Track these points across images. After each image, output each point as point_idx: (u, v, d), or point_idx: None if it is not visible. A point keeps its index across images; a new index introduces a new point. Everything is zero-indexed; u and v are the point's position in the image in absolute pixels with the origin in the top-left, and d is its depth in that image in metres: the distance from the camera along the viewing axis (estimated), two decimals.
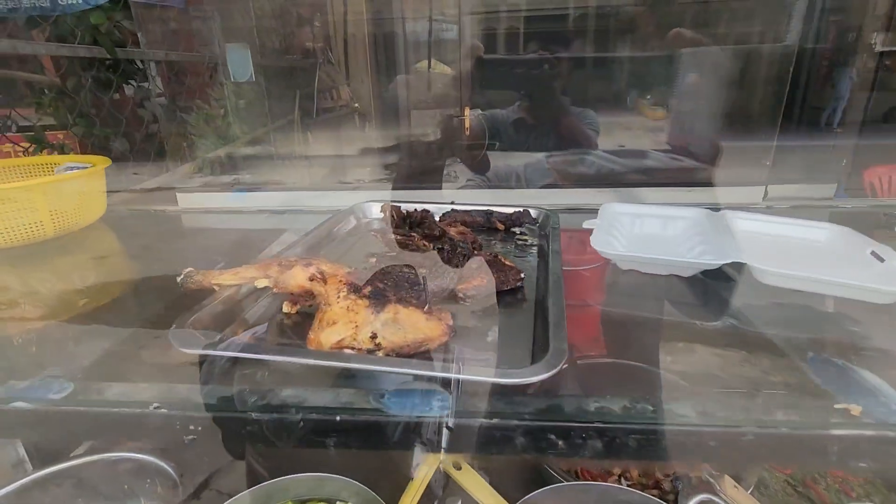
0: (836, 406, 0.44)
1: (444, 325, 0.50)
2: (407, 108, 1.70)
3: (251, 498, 0.98)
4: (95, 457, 1.08)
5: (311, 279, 0.55)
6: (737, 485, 0.76)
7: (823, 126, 2.61)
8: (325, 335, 0.49)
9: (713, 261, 0.68)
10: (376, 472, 1.03)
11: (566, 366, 0.45)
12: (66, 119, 1.52)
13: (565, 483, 0.93)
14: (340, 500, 1.02)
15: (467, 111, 3.81)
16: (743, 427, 0.43)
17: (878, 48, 2.06)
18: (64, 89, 1.49)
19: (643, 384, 0.54)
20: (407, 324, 0.49)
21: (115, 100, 1.66)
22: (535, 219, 0.87)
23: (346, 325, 0.49)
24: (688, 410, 0.45)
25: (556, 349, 0.47)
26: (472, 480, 0.80)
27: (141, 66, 1.65)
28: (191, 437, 0.48)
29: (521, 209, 0.88)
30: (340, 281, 0.54)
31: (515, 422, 0.44)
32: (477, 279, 0.62)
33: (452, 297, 0.62)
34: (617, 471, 1.08)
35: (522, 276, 0.65)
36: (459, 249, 0.63)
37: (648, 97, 1.45)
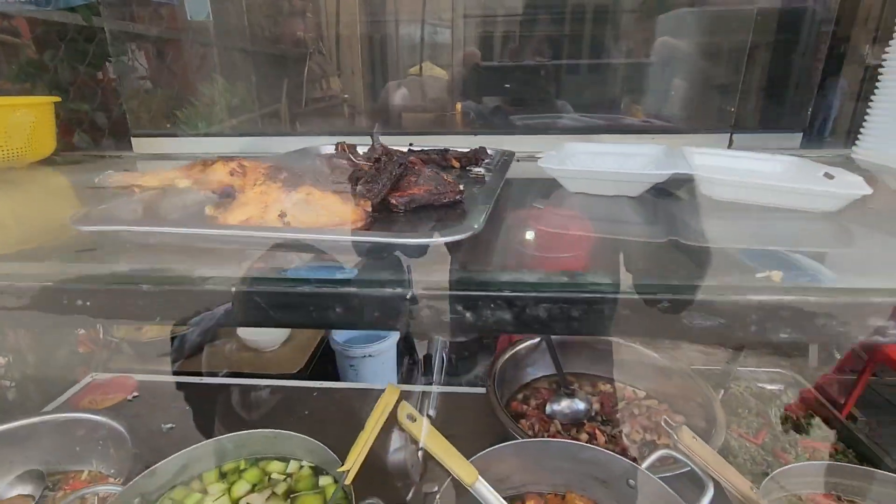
0: (758, 275, 0.42)
1: (362, 211, 0.48)
2: (399, 110, 1.70)
3: (202, 453, 0.95)
4: (45, 417, 1.06)
5: (232, 173, 0.53)
6: (695, 436, 0.73)
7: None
8: (234, 215, 0.47)
9: (658, 172, 0.66)
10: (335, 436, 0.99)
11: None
12: (43, 91, 1.52)
13: (526, 440, 0.90)
14: (295, 459, 0.99)
15: (458, 107, 3.81)
16: (658, 294, 0.41)
17: None
18: (39, 58, 1.50)
19: None
20: (320, 205, 0.47)
21: (94, 75, 1.66)
22: (490, 156, 0.86)
23: (255, 206, 0.47)
24: (601, 279, 0.42)
25: (466, 225, 0.45)
26: (432, 438, 0.76)
27: (117, 42, 1.65)
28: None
29: (478, 147, 0.86)
30: (261, 172, 0.52)
31: (422, 290, 0.42)
32: (413, 189, 0.60)
33: (386, 206, 0.60)
34: (584, 437, 1.05)
35: (462, 189, 0.63)
36: (397, 158, 0.61)
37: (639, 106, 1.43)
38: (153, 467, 0.87)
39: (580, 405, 1.14)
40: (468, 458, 0.76)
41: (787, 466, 0.78)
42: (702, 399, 1.04)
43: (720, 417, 0.95)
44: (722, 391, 1.20)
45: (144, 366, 1.57)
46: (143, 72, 1.70)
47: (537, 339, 1.25)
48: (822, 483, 0.79)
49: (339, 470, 0.77)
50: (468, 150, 0.86)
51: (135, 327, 1.66)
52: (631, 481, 0.79)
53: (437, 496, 0.74)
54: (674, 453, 0.77)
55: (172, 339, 1.55)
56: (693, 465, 0.73)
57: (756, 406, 1.16)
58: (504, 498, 0.75)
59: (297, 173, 0.48)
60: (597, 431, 1.04)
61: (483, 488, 0.75)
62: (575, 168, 0.72)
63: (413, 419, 0.77)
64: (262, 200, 0.47)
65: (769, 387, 1.25)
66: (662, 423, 0.80)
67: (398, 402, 0.75)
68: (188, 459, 0.91)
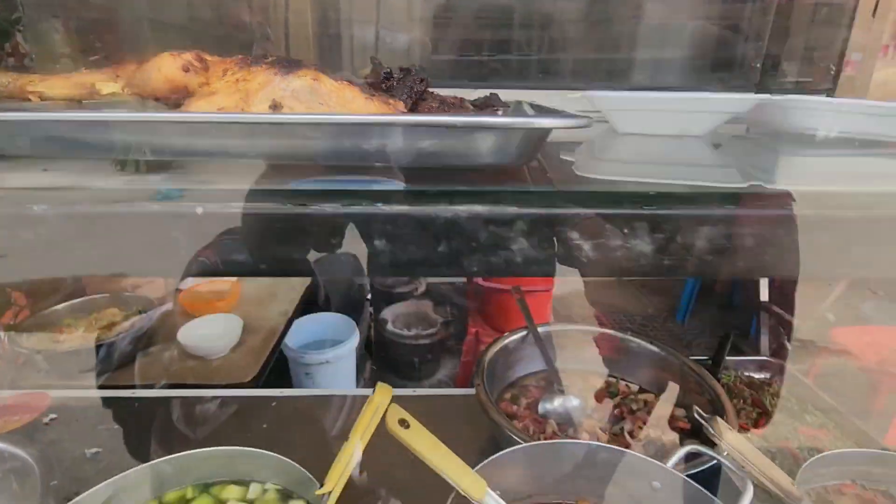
0: None
1: (394, 109, 0.35)
2: None
3: (135, 481, 0.77)
4: None
5: (186, 70, 0.38)
6: (730, 427, 0.65)
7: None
8: (194, 107, 0.32)
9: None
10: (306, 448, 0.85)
11: None
12: None
13: (536, 443, 0.79)
14: (256, 481, 0.83)
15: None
16: None
17: None
18: None
19: None
20: (333, 98, 0.33)
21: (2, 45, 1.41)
22: (505, 103, 0.75)
23: (229, 95, 0.33)
24: None
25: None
26: (423, 441, 0.63)
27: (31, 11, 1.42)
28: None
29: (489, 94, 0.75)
30: (232, 63, 0.37)
31: None
32: (434, 112, 0.48)
33: None
34: (584, 437, 0.96)
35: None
36: (415, 72, 0.48)
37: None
38: (72, 502, 0.69)
39: (575, 402, 1.05)
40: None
41: (819, 455, 0.72)
42: (701, 389, 0.98)
43: (728, 407, 0.89)
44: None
45: (64, 381, 1.33)
46: (64, 46, 1.47)
47: (523, 333, 1.15)
48: (848, 472, 0.74)
49: (317, 493, 0.62)
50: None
51: (52, 339, 1.42)
52: (655, 483, 0.70)
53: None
54: (702, 449, 0.69)
55: (98, 347, 1.32)
56: (726, 461, 0.64)
57: (750, 395, 1.12)
58: None
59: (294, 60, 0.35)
60: (598, 431, 0.95)
61: (492, 502, 0.63)
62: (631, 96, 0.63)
63: (406, 425, 0.64)
64: (238, 88, 0.33)
65: (757, 375, 1.22)
66: (695, 415, 0.72)
67: (389, 404, 0.62)
68: (117, 489, 0.73)
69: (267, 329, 1.69)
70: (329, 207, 0.29)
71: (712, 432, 0.64)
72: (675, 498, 0.68)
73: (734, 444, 0.62)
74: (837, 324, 1.46)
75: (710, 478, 0.72)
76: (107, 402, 1.15)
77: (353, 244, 0.31)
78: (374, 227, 0.29)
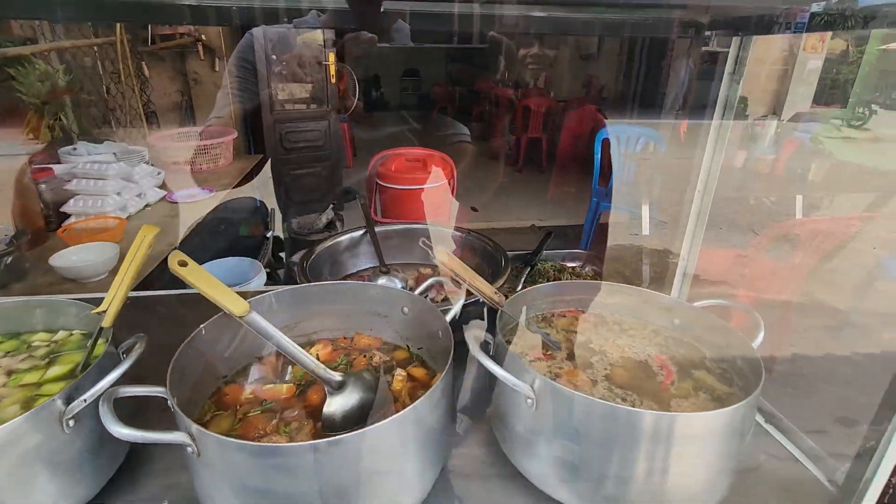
0: None
1: None
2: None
3: None
4: None
5: None
6: (449, 252, 0.80)
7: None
8: None
9: None
10: None
11: None
12: None
13: (306, 284, 0.92)
14: (66, 329, 0.87)
15: (332, 57, 3.69)
16: None
17: None
18: None
19: None
20: None
21: None
22: None
23: None
24: None
25: None
26: (198, 275, 0.75)
27: None
28: None
29: None
30: None
31: None
32: None
33: None
34: None
35: None
36: None
37: None
38: None
39: (397, 283, 1.20)
40: None
41: (540, 285, 0.90)
42: (497, 264, 1.15)
43: (506, 273, 1.06)
44: (528, 268, 1.34)
45: None
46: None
47: (361, 231, 1.29)
48: (572, 301, 0.93)
49: (93, 312, 0.74)
50: None
51: None
52: (405, 308, 0.86)
53: (202, 327, 0.74)
54: (442, 280, 0.85)
55: None
56: (448, 279, 0.81)
57: (554, 275, 1.31)
58: None
59: None
60: None
61: (258, 319, 0.76)
62: None
63: (184, 264, 0.76)
64: None
65: (570, 263, 1.41)
66: (420, 244, 0.88)
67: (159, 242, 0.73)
68: None
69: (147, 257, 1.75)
70: None
71: (432, 255, 0.80)
72: (420, 315, 0.84)
73: (446, 262, 0.78)
74: None
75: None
76: None
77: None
78: None
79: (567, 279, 1.31)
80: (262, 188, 3.08)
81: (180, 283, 0.73)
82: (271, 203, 2.92)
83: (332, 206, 3.00)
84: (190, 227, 2.18)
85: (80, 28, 2.74)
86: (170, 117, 3.40)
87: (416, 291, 0.86)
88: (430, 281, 0.88)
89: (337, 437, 0.54)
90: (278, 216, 2.90)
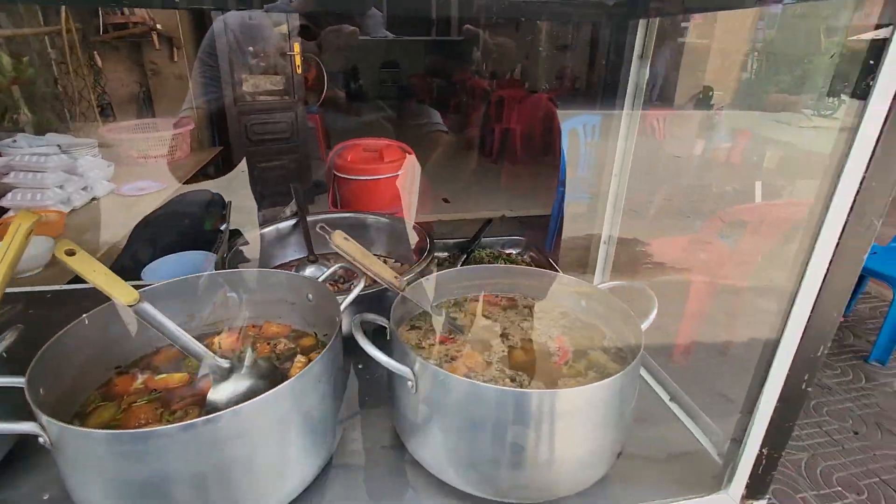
0: None
1: None
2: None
3: None
4: None
5: None
6: (346, 237, 0.79)
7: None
8: None
9: None
10: None
11: None
12: None
13: (211, 273, 0.91)
14: None
15: (297, 47, 3.63)
16: None
17: None
18: None
19: None
20: None
21: None
22: None
23: None
24: None
25: None
26: (85, 264, 0.73)
27: None
28: None
29: None
30: None
31: None
32: None
33: None
34: None
35: None
36: None
37: None
38: None
39: (324, 272, 1.19)
40: None
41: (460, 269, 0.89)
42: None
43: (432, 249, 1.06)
44: (464, 255, 1.34)
45: None
46: None
47: (293, 221, 1.28)
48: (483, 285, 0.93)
49: None
50: None
51: None
52: (310, 295, 0.85)
53: (84, 316, 0.73)
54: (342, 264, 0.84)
55: None
56: (348, 264, 0.80)
57: (489, 261, 1.32)
58: (197, 337, 0.75)
59: None
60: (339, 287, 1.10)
61: (147, 308, 0.75)
62: None
63: (72, 253, 0.74)
64: None
65: (508, 250, 1.42)
66: (318, 230, 0.87)
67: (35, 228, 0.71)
68: None
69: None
70: None
71: (329, 240, 0.79)
72: (321, 301, 0.83)
73: (344, 247, 0.77)
74: None
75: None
76: None
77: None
78: None
79: (501, 262, 1.31)
80: (237, 181, 3.02)
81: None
82: (245, 197, 2.88)
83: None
84: (139, 221, 2.14)
85: (25, 16, 2.65)
86: (127, 109, 3.32)
87: (321, 278, 0.85)
88: (334, 267, 0.87)
89: (186, 423, 0.53)
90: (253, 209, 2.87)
